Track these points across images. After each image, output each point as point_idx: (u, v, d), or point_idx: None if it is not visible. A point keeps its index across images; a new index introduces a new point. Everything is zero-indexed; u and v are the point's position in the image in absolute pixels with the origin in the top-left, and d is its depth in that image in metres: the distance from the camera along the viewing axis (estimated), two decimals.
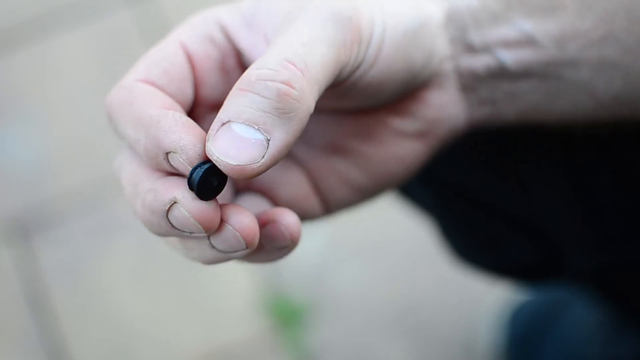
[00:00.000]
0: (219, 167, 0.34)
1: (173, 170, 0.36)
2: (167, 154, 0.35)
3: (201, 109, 0.41)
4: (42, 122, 1.24)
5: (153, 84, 0.38)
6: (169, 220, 0.36)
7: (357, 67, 0.39)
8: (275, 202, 0.43)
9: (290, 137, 0.34)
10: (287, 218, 0.39)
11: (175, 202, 0.35)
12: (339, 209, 0.45)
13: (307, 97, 0.35)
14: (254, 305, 1.07)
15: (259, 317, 1.06)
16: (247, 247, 0.37)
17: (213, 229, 0.36)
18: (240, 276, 1.08)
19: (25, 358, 1.06)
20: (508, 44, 0.42)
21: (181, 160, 0.35)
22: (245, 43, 0.40)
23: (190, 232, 0.36)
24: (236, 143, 0.34)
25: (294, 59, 0.35)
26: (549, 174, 0.54)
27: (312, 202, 0.44)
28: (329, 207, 0.44)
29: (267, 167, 0.34)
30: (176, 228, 0.36)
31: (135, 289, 1.09)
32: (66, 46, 1.30)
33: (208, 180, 0.35)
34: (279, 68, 0.34)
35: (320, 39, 0.36)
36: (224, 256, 0.38)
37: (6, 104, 1.26)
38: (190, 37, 0.39)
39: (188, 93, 0.39)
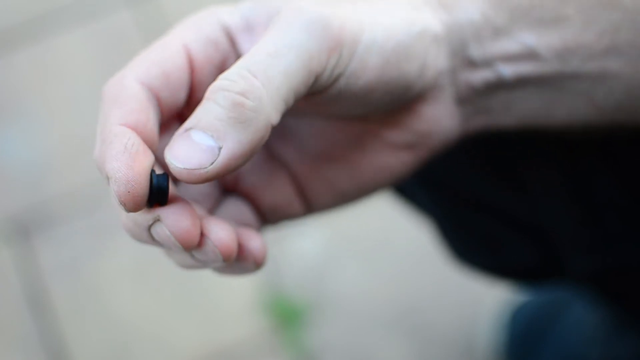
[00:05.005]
0: (169, 168, 0.35)
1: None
2: (107, 175, 0.36)
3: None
4: (42, 121, 1.24)
5: (149, 85, 0.38)
6: (151, 234, 0.37)
7: (339, 76, 0.38)
8: (258, 206, 0.44)
9: (244, 147, 0.35)
10: (253, 243, 0.40)
11: (158, 220, 0.36)
12: (321, 211, 0.45)
13: (266, 108, 0.35)
14: (254, 305, 1.07)
15: (259, 317, 1.06)
16: (224, 262, 0.37)
17: (192, 248, 0.36)
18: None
19: (25, 358, 1.06)
20: (509, 58, 0.42)
21: (112, 189, 0.35)
22: (246, 48, 0.40)
23: (170, 248, 0.37)
24: (187, 147, 0.35)
25: (254, 69, 0.35)
26: (549, 176, 0.54)
27: (294, 204, 0.44)
28: (311, 208, 0.45)
29: (217, 174, 0.35)
30: (157, 242, 0.37)
31: (135, 289, 1.09)
32: (66, 46, 1.30)
33: (162, 185, 0.36)
34: (236, 78, 0.35)
35: (289, 47, 0.36)
36: (202, 265, 0.39)
37: (6, 104, 1.26)
38: (194, 39, 0.39)
39: (181, 97, 0.40)
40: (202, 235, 0.37)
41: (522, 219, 0.58)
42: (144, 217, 0.36)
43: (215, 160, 0.35)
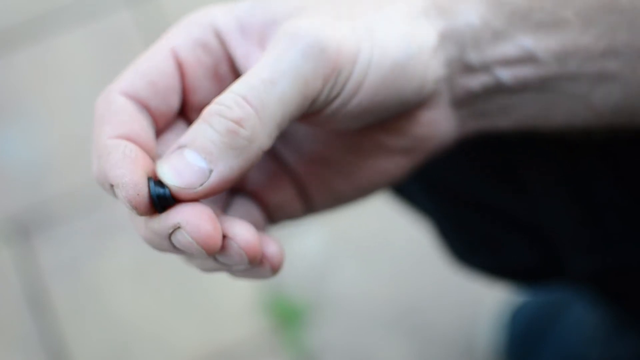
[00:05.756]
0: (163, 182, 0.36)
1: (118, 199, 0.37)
2: (111, 185, 0.36)
3: (194, 112, 0.41)
4: (43, 121, 1.24)
5: (136, 96, 0.39)
6: (171, 242, 0.37)
7: (336, 97, 0.38)
8: (264, 205, 0.44)
9: (234, 172, 0.36)
10: (271, 248, 0.40)
11: (179, 227, 0.36)
12: (320, 211, 0.46)
13: (259, 137, 0.36)
14: (254, 305, 1.07)
15: (259, 317, 1.06)
16: (249, 263, 0.38)
17: (215, 252, 0.37)
18: None
19: (25, 358, 1.06)
20: (508, 62, 0.42)
21: (121, 195, 0.36)
22: (239, 51, 0.40)
23: (192, 254, 0.37)
24: (181, 166, 0.36)
25: (249, 96, 0.36)
26: (549, 177, 0.54)
27: (295, 204, 0.44)
28: (311, 209, 0.45)
29: (205, 195, 0.36)
30: (179, 249, 0.37)
31: (135, 289, 1.09)
32: (66, 46, 1.30)
33: (162, 195, 0.36)
34: (232, 104, 0.36)
35: (284, 74, 0.36)
36: (225, 268, 0.39)
37: (6, 104, 1.26)
38: (183, 43, 0.40)
39: (173, 103, 0.40)
40: (224, 237, 0.37)
41: (522, 219, 0.58)
42: (163, 225, 0.36)
43: (204, 182, 0.35)
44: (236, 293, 1.08)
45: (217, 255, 0.38)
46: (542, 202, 0.55)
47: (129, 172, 0.36)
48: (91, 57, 1.29)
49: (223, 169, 0.35)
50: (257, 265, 0.39)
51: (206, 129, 0.35)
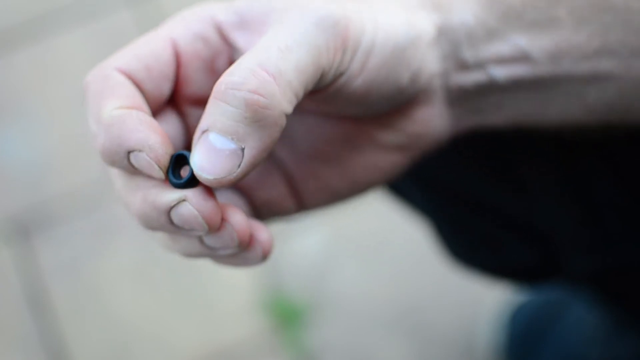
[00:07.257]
0: (199, 180, 0.35)
1: (131, 170, 0.36)
2: (129, 152, 0.36)
3: (185, 104, 0.41)
4: (43, 121, 1.24)
5: (131, 76, 0.38)
6: (169, 216, 0.36)
7: (341, 74, 0.38)
8: (252, 202, 0.44)
9: (266, 143, 0.35)
10: (262, 234, 0.39)
11: (184, 200, 0.36)
12: (313, 209, 0.45)
13: (279, 102, 0.35)
14: (254, 305, 1.07)
15: (259, 317, 1.06)
16: (237, 247, 0.37)
17: (216, 228, 0.36)
18: (240, 276, 1.08)
19: (25, 358, 1.06)
20: (502, 60, 0.42)
21: (147, 158, 0.35)
22: (241, 40, 0.40)
23: (190, 230, 0.37)
24: (212, 156, 0.35)
25: (266, 65, 0.35)
26: (549, 177, 0.54)
27: (286, 202, 0.44)
28: (304, 206, 0.45)
29: (244, 175, 0.35)
30: (175, 225, 0.37)
31: (135, 289, 1.09)
32: (66, 46, 1.30)
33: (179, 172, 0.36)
34: (247, 75, 0.35)
35: (299, 43, 0.36)
36: (209, 252, 0.39)
37: (6, 104, 1.26)
38: (182, 34, 0.40)
39: (164, 91, 0.40)
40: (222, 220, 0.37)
41: (522, 219, 0.58)
42: (167, 198, 0.36)
43: (240, 163, 0.35)
44: (236, 293, 1.08)
45: (208, 237, 0.37)
46: (542, 201, 0.55)
47: (153, 134, 0.35)
48: (91, 57, 1.29)
49: (253, 143, 0.35)
50: (246, 250, 0.39)
51: (223, 107, 0.35)
